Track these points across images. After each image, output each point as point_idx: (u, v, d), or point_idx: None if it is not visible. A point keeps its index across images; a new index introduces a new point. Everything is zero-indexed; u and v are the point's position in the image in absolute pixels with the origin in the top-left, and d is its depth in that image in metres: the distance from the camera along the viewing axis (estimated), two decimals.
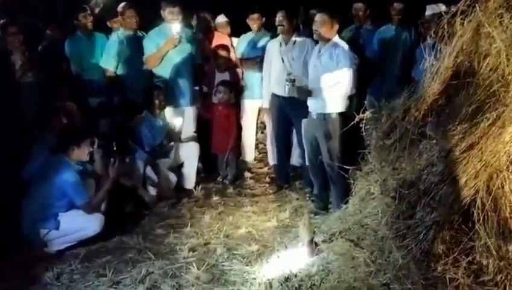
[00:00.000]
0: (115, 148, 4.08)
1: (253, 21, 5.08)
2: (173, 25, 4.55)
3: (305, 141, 4.20)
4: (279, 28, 4.46)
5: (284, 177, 4.93)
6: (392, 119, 2.56)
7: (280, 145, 4.86)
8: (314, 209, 4.22)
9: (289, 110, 4.52)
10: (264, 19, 5.10)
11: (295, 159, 5.03)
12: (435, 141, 2.16)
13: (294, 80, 4.03)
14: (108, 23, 5.18)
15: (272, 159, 5.15)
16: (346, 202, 3.86)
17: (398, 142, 2.45)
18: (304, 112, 4.21)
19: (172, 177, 4.75)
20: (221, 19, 5.50)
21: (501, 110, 1.92)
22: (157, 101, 4.61)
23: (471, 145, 1.99)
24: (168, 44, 4.63)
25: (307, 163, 4.30)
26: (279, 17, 4.44)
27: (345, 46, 3.82)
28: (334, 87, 3.79)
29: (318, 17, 3.84)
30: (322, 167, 4.09)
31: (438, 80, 2.44)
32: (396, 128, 2.51)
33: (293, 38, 4.46)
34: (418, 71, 3.84)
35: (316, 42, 4.13)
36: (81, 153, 3.77)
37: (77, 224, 3.64)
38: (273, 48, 4.60)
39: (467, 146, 2.00)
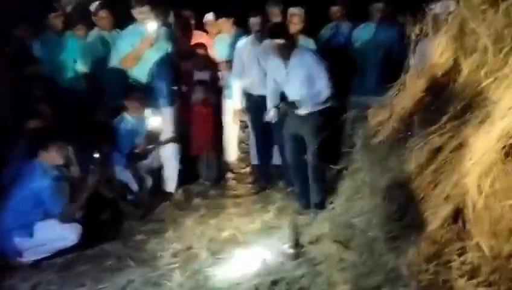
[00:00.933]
0: (97, 156, 3.95)
1: (225, 23, 5.00)
2: (148, 24, 4.41)
3: (286, 139, 4.11)
4: (254, 29, 4.39)
5: (265, 177, 4.85)
6: (378, 118, 2.50)
7: (260, 145, 4.78)
8: (299, 210, 4.15)
9: (266, 108, 4.44)
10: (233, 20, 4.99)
11: (277, 158, 4.95)
12: (422, 139, 2.11)
13: (279, 107, 3.99)
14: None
15: (254, 159, 5.07)
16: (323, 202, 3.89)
17: (385, 140, 2.39)
18: None
19: (148, 181, 4.63)
20: (210, 16, 5.37)
21: (491, 108, 1.87)
22: (135, 103, 4.47)
23: (461, 143, 1.95)
24: (143, 44, 4.49)
25: (288, 161, 4.20)
26: (254, 20, 4.36)
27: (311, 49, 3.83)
28: (313, 96, 3.79)
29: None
30: (303, 165, 4.03)
31: (424, 77, 2.40)
32: (383, 126, 2.46)
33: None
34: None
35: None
36: (53, 156, 3.62)
37: (53, 234, 3.49)
38: (246, 47, 4.49)
39: (457, 144, 1.96)
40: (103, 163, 3.95)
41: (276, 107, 3.97)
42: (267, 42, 3.93)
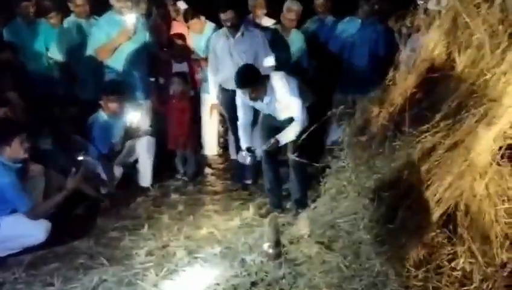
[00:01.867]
0: (81, 158, 3.76)
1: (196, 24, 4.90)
2: (126, 16, 4.23)
3: (261, 134, 3.99)
4: (225, 24, 4.21)
5: (244, 173, 4.71)
6: (366, 114, 2.40)
7: (237, 141, 4.65)
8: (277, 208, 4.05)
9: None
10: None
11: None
12: (414, 138, 2.02)
13: (254, 151, 3.92)
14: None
15: (233, 154, 4.94)
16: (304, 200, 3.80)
17: (373, 138, 2.29)
18: None
19: (118, 171, 4.49)
20: (181, 4, 5.19)
21: (489, 106, 1.78)
22: (112, 104, 4.29)
23: (456, 143, 1.86)
24: (121, 36, 4.32)
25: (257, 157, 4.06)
26: (226, 15, 4.15)
27: (280, 79, 3.66)
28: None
29: None
30: (276, 161, 3.95)
31: (415, 73, 2.30)
32: (371, 124, 2.36)
33: (241, 31, 4.22)
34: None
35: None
36: (16, 150, 3.40)
37: (19, 230, 3.31)
38: (219, 41, 4.33)
39: (451, 144, 1.87)
40: (86, 168, 3.80)
41: (250, 151, 3.90)
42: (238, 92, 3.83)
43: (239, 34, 4.21)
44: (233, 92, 4.27)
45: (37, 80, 4.56)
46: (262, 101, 3.71)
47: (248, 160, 3.90)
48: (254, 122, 4.09)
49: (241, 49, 4.23)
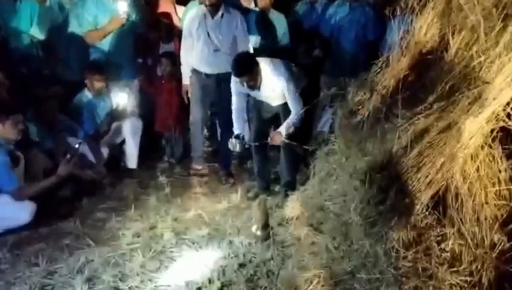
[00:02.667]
0: (76, 146, 3.69)
1: None
2: (119, 3, 4.13)
3: (255, 114, 3.96)
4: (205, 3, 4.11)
5: (225, 158, 4.64)
6: (358, 97, 2.39)
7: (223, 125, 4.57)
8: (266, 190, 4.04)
9: (213, 89, 4.28)
10: None
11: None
12: (407, 120, 2.01)
13: (244, 137, 3.86)
14: None
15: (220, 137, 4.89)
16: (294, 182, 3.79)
17: (365, 121, 2.28)
18: (230, 90, 4.01)
19: (105, 151, 4.42)
20: None
21: (483, 88, 1.78)
22: (97, 83, 4.21)
23: (449, 125, 1.85)
24: (113, 24, 4.22)
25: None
26: None
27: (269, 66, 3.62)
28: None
29: None
30: (266, 144, 3.92)
31: (408, 55, 2.29)
32: (363, 106, 2.35)
33: (221, 12, 4.12)
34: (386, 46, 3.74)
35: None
36: (8, 131, 3.34)
37: (5, 212, 3.26)
38: (196, 20, 4.18)
39: (443, 126, 1.86)
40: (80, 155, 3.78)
41: (238, 137, 3.83)
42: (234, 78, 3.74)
43: (218, 15, 4.10)
44: (207, 75, 4.23)
45: (21, 58, 4.45)
46: (259, 89, 3.66)
47: (238, 147, 3.85)
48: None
49: (219, 32, 4.13)
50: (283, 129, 3.61)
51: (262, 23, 4.58)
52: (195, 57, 4.24)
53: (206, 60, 4.18)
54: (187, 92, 4.45)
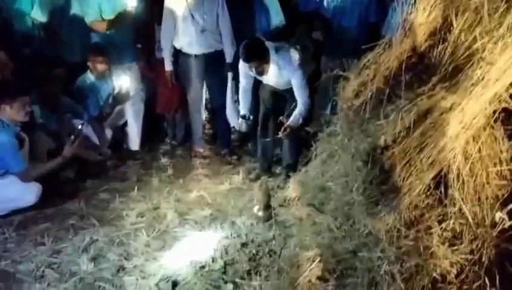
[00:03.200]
0: (80, 127, 3.70)
1: None
2: None
3: (264, 94, 3.95)
4: None
5: (224, 137, 4.69)
6: (361, 78, 2.39)
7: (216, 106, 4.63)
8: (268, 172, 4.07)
9: (203, 69, 4.30)
10: None
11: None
12: (410, 101, 2.02)
13: (250, 118, 3.85)
14: None
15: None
16: (295, 164, 3.82)
17: (368, 102, 2.29)
18: (220, 70, 4.08)
19: (108, 133, 4.46)
20: None
21: (486, 69, 1.80)
22: (100, 65, 4.21)
23: (452, 106, 1.87)
24: (122, 17, 4.17)
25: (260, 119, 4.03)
26: None
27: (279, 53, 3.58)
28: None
29: None
30: (270, 126, 3.96)
31: (411, 37, 2.29)
32: (366, 87, 2.36)
33: None
34: (388, 27, 3.72)
35: None
36: (17, 112, 3.36)
37: (12, 193, 3.32)
38: (177, 1, 4.15)
39: (446, 107, 1.88)
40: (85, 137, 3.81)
41: (245, 117, 3.85)
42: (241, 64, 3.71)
43: None
44: (196, 56, 4.22)
45: (23, 40, 4.44)
46: (266, 75, 3.65)
47: (244, 127, 3.87)
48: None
49: (203, 12, 4.12)
50: (292, 122, 3.60)
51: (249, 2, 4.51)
52: (182, 39, 4.24)
53: (195, 41, 4.18)
54: (171, 78, 4.42)
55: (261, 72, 3.60)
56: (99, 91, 4.35)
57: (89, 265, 2.77)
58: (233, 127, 4.66)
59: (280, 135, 3.65)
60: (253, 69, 3.58)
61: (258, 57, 3.51)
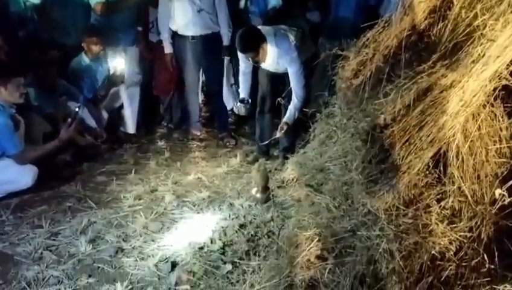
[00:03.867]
0: (76, 110, 3.66)
1: None
2: None
3: (262, 76, 3.91)
4: None
5: (222, 119, 4.69)
6: (360, 57, 2.38)
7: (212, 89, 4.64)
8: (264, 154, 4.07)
9: (199, 52, 4.26)
10: None
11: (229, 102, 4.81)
12: (410, 80, 2.01)
13: (248, 101, 3.80)
14: None
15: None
16: (293, 146, 3.81)
17: (367, 82, 2.28)
18: (217, 53, 4.06)
19: (105, 115, 4.43)
20: None
21: (486, 46, 1.78)
22: (95, 46, 4.16)
23: (452, 83, 1.86)
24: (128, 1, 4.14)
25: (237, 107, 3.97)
26: None
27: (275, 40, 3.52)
28: None
29: None
30: (268, 109, 3.94)
31: (411, 14, 2.27)
32: (365, 66, 2.34)
33: None
34: (388, 7, 3.69)
35: None
36: (12, 94, 3.32)
37: (8, 176, 3.29)
38: None
39: (447, 84, 1.87)
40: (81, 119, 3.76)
41: (243, 101, 3.81)
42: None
43: None
44: (193, 38, 4.19)
45: (18, 22, 4.37)
46: (265, 62, 3.61)
47: (243, 111, 3.85)
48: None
49: None
50: (289, 118, 3.59)
51: None
52: (178, 20, 4.20)
53: (191, 21, 4.14)
54: (171, 60, 4.40)
55: (258, 62, 3.57)
56: (95, 73, 4.31)
57: (87, 247, 2.77)
58: (231, 110, 4.67)
59: (278, 134, 3.65)
60: (251, 59, 3.55)
61: (254, 48, 3.46)
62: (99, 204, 3.29)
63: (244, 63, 3.79)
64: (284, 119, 3.60)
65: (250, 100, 3.85)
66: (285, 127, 3.60)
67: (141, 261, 2.64)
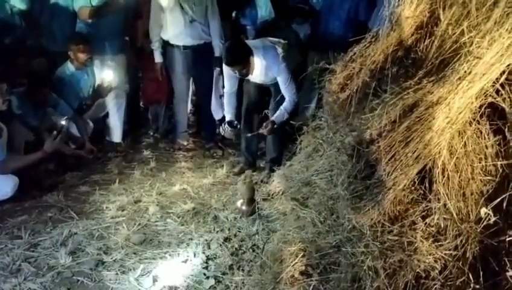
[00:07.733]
0: (63, 123, 3.61)
1: None
2: None
3: (248, 88, 3.88)
4: None
5: (209, 130, 4.65)
6: (347, 72, 2.36)
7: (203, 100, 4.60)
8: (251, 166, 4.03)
9: (190, 62, 4.24)
10: None
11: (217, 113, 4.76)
12: (396, 95, 2.00)
13: (237, 126, 3.77)
14: None
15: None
16: (280, 158, 3.78)
17: (353, 96, 2.26)
18: (208, 63, 4.04)
19: (90, 126, 4.35)
20: None
21: (473, 63, 1.78)
22: (81, 55, 4.09)
23: (438, 100, 1.85)
24: (111, 6, 4.10)
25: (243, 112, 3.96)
26: None
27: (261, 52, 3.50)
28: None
29: None
30: (254, 121, 3.91)
31: (398, 30, 2.26)
32: (352, 81, 2.33)
33: None
34: (376, 21, 3.69)
35: None
36: None
37: None
38: None
39: (433, 101, 1.86)
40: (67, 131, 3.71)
41: (231, 124, 3.76)
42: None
43: None
44: (185, 48, 4.17)
45: (4, 28, 4.31)
46: (252, 74, 3.58)
47: (229, 134, 3.80)
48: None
49: (192, 2, 4.07)
50: (277, 118, 3.55)
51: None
52: (170, 30, 4.18)
53: (183, 32, 4.13)
54: (161, 70, 4.38)
55: (245, 74, 3.54)
56: (80, 82, 4.24)
57: (67, 259, 2.70)
58: (219, 120, 4.63)
59: (262, 130, 3.60)
60: (237, 72, 3.52)
61: (240, 61, 3.43)
62: (81, 215, 3.23)
63: (229, 82, 3.74)
64: (272, 118, 3.57)
65: (239, 125, 3.79)
66: (269, 126, 3.56)
67: (122, 274, 2.59)
